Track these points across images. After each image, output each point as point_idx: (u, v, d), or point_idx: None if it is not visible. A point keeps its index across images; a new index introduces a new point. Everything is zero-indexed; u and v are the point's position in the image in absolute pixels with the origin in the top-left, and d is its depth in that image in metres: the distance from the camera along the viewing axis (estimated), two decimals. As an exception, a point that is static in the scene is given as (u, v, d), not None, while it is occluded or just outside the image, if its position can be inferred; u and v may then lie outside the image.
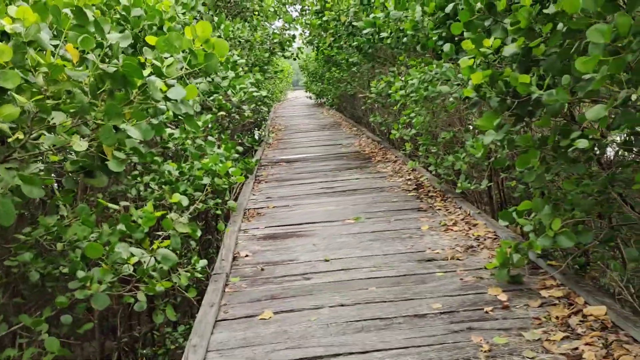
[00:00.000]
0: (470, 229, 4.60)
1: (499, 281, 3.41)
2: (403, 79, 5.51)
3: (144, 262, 2.90)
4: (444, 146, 6.53)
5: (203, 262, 3.15)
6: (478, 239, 4.32)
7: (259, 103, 13.75)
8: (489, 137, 3.08)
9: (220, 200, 4.51)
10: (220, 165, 3.88)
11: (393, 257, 4.09)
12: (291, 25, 12.04)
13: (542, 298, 3.17)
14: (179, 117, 5.25)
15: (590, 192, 3.19)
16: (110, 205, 3.40)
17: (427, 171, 6.74)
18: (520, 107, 2.98)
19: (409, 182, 6.63)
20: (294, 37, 11.48)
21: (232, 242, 4.64)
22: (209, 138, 4.37)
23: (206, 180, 4.00)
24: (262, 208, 5.95)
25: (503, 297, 3.22)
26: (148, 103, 2.40)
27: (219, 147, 4.48)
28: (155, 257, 2.91)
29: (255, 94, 6.16)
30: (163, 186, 4.16)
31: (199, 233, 3.59)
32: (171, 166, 4.13)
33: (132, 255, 2.89)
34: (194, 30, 2.44)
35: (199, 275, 3.02)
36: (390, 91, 7.88)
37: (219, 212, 4.10)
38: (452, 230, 4.64)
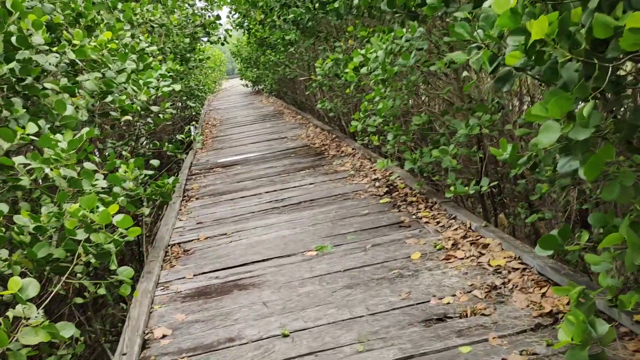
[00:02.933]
0: (481, 254, 3.29)
1: (570, 363, 2.10)
2: (363, 52, 4.13)
3: None
4: (417, 135, 5.22)
5: None
6: (499, 272, 3.01)
7: (185, 98, 12.06)
8: (552, 134, 1.72)
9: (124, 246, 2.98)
10: (99, 211, 2.37)
11: (385, 319, 2.71)
12: (214, 3, 10.37)
13: (657, 396, 1.89)
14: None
15: None
16: None
17: (398, 168, 5.41)
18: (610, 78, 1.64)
19: (378, 184, 5.27)
20: (218, 17, 9.84)
21: (144, 311, 3.13)
22: (86, 165, 2.83)
23: (81, 236, 2.48)
24: (190, 241, 4.44)
25: (590, 398, 1.92)
26: None
27: (105, 176, 2.95)
28: None
29: (166, 89, 4.60)
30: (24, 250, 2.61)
31: (69, 333, 2.13)
32: (23, 216, 2.57)
33: None
34: None
35: None
36: (339, 71, 6.50)
37: (101, 291, 2.59)
38: (455, 257, 3.31)
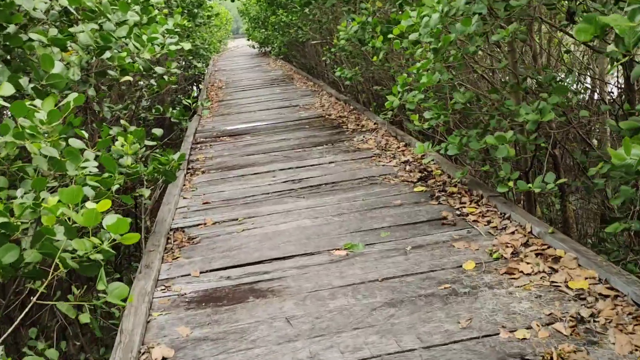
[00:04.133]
0: (553, 270, 2.70)
1: None
2: (414, 14, 3.44)
3: None
4: (458, 115, 4.57)
5: None
6: (583, 299, 2.44)
7: (190, 57, 11.30)
8: None
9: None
10: (85, 208, 1.76)
11: (444, 356, 2.14)
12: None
13: None
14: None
15: None
16: None
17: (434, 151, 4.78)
18: None
19: (409, 168, 4.66)
20: (230, -30, 9.03)
21: (140, 322, 2.56)
22: (72, 142, 2.20)
23: (61, 236, 1.89)
24: (196, 226, 3.85)
25: None
26: None
27: (97, 156, 2.33)
28: None
29: (173, 47, 3.93)
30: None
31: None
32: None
33: None
34: None
35: None
36: (366, 36, 5.83)
37: (84, 318, 1.99)
38: (520, 272, 2.73)
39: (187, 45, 4.00)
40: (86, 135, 2.40)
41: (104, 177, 2.17)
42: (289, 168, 5.07)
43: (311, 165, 5.08)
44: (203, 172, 5.27)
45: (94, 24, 3.69)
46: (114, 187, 2.19)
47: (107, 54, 3.84)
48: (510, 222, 3.32)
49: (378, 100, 8.99)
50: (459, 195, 3.86)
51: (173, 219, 4.00)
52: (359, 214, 3.75)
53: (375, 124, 6.45)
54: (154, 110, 5.06)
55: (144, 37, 3.94)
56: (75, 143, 2.21)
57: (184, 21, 6.28)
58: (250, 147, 6.13)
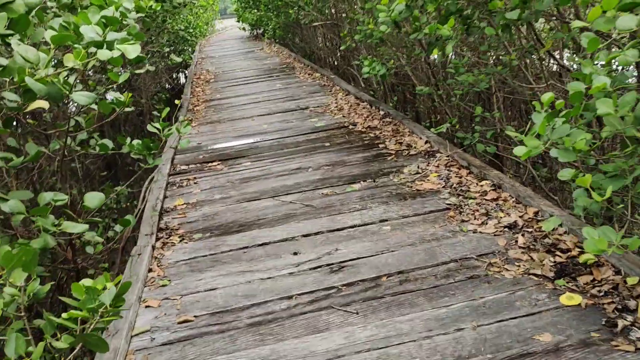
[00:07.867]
0: None
1: None
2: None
3: None
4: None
5: None
6: None
7: (167, 49, 9.36)
8: None
9: None
10: None
11: None
12: None
13: None
14: None
15: None
16: None
17: (550, 199, 2.93)
18: None
19: (524, 239, 2.78)
20: None
21: None
22: None
23: None
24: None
25: None
26: None
27: None
28: None
29: (105, 54, 2.02)
30: None
31: None
32: None
33: None
34: None
35: None
36: (424, 19, 3.97)
37: None
38: None
39: (133, 51, 2.08)
40: None
41: None
42: (318, 233, 3.19)
43: (352, 227, 3.20)
44: (182, 239, 3.38)
45: None
46: None
47: (-7, 66, 1.95)
48: None
49: (397, 94, 7.18)
50: (668, 327, 2.01)
51: (120, 378, 2.13)
52: (481, 378, 1.90)
53: (426, 142, 4.56)
54: (97, 149, 3.14)
55: (48, 34, 2.02)
56: None
57: (150, 2, 4.32)
58: (251, 183, 4.24)
